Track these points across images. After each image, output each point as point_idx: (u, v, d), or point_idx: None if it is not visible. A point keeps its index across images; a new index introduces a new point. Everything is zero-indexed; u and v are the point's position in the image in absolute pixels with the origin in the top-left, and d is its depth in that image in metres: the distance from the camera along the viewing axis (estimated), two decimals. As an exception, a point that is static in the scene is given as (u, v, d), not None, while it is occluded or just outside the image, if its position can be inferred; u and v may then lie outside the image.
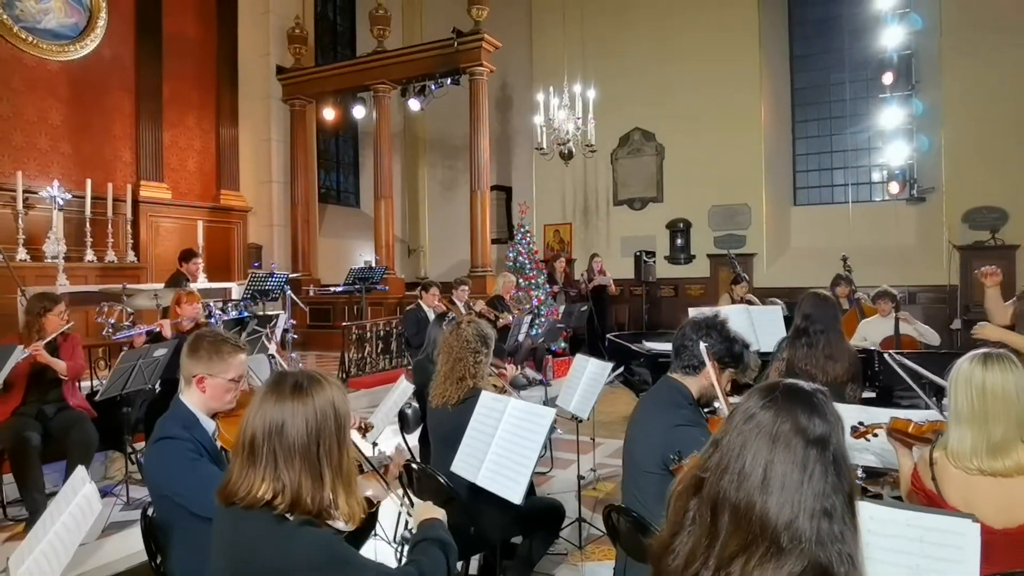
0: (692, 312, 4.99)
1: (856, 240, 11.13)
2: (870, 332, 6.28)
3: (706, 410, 2.60)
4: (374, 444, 3.65)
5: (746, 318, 4.93)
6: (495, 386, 3.71)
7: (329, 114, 11.97)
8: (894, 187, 10.85)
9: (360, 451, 2.28)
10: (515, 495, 2.51)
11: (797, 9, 12.41)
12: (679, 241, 12.49)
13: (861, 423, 2.63)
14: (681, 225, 12.49)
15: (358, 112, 12.03)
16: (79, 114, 9.38)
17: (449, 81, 10.50)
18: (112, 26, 9.67)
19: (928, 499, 2.20)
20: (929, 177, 10.83)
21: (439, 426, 3.25)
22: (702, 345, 2.42)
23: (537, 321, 8.97)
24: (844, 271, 7.94)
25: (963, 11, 10.37)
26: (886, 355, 4.46)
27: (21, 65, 8.77)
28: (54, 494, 4.40)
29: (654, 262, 10.85)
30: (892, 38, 10.63)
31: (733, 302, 8.05)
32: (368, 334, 8.07)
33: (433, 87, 10.60)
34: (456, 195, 13.91)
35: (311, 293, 11.28)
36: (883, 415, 2.93)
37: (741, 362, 2.52)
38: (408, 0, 14.78)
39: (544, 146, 9.74)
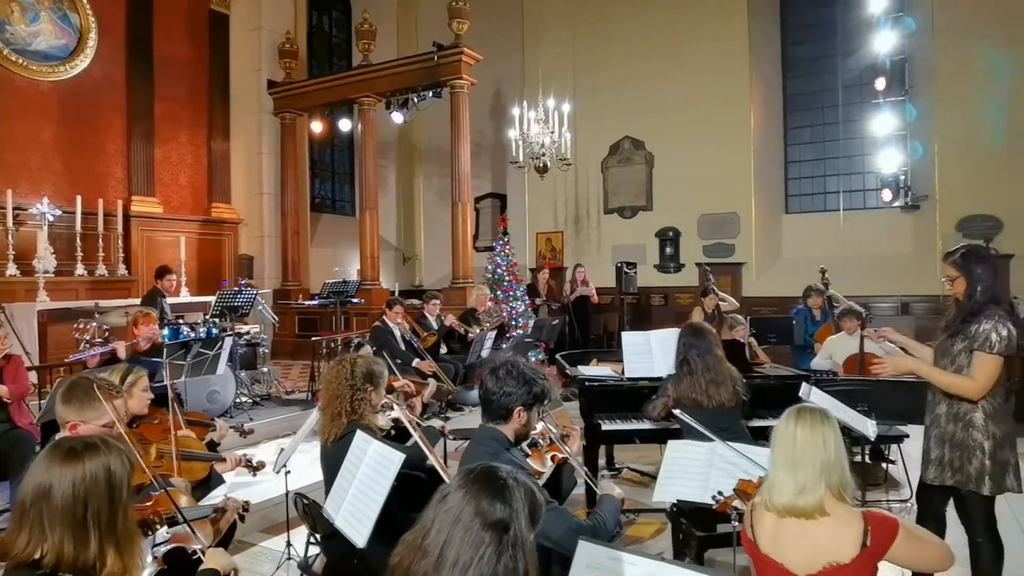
0: (625, 335, 5.07)
1: (849, 249, 11.00)
2: (835, 350, 6.19)
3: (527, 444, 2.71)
4: (287, 472, 3.72)
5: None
6: (400, 405, 3.75)
7: (317, 127, 12.13)
8: (887, 194, 10.66)
9: (177, 506, 2.37)
10: (359, 538, 2.57)
11: (789, 15, 12.25)
12: (668, 250, 12.43)
13: (720, 493, 2.66)
14: (671, 233, 12.42)
15: (344, 125, 12.18)
16: (70, 132, 9.67)
17: (431, 94, 10.57)
18: (102, 47, 9.95)
19: (749, 547, 2.25)
20: (923, 184, 10.64)
21: (323, 461, 3.29)
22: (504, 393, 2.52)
23: (508, 335, 9.00)
24: (821, 282, 7.86)
25: (956, 14, 10.16)
26: (803, 387, 4.43)
27: (12, 86, 9.08)
28: (5, 511, 4.64)
29: (635, 273, 10.80)
30: (885, 43, 10.46)
31: (704, 315, 8.08)
32: (339, 347, 8.18)
33: (415, 100, 10.69)
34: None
35: (299, 303, 11.43)
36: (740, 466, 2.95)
37: (543, 398, 2.59)
38: (404, 14, 14.92)
39: (520, 159, 9.78)
